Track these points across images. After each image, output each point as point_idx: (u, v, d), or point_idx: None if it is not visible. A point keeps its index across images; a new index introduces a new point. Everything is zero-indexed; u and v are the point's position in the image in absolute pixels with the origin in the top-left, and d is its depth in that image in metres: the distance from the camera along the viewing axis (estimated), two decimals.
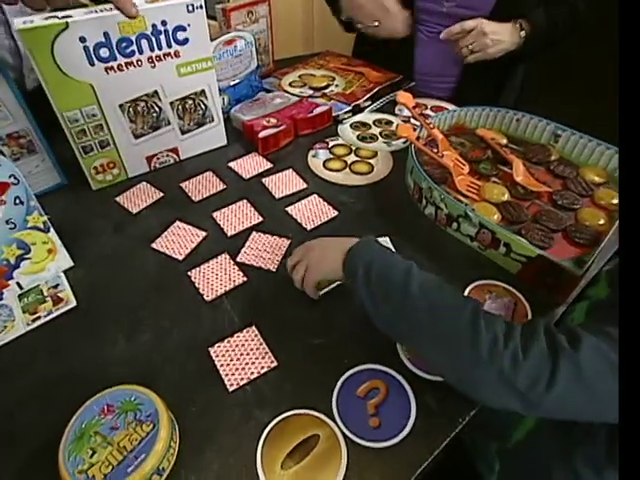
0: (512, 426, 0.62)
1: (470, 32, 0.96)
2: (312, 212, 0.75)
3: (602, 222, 0.70)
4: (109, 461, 0.41)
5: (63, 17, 0.63)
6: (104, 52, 0.68)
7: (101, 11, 0.65)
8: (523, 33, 0.97)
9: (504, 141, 0.88)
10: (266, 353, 0.54)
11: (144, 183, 0.81)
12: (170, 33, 0.73)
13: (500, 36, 0.96)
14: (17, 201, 0.60)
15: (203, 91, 0.83)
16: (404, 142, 0.91)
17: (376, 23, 1.01)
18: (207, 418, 0.49)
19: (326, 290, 0.62)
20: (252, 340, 0.55)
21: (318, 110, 0.95)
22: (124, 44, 0.69)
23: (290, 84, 1.10)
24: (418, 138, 0.82)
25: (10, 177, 0.58)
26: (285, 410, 0.49)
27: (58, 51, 0.64)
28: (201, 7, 0.74)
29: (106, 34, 0.67)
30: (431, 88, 1.11)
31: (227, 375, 0.52)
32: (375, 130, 0.96)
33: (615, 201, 0.74)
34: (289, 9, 2.83)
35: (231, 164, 0.86)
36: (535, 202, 0.75)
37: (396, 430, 0.47)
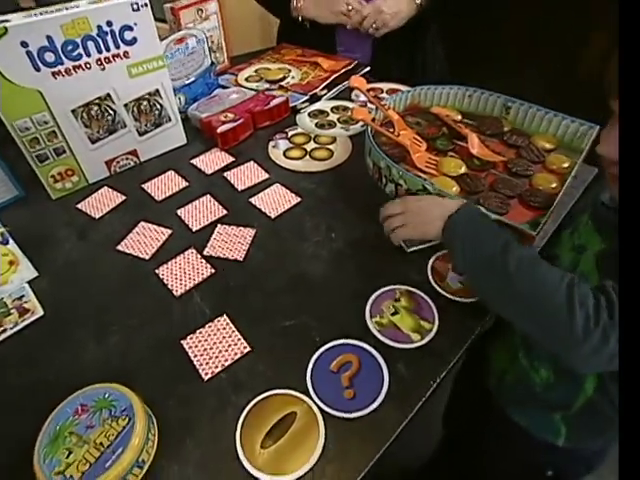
0: (571, 399, 0.62)
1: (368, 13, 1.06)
2: (275, 201, 0.76)
3: (554, 185, 0.73)
4: (86, 459, 0.41)
5: (1, 22, 0.62)
6: (49, 57, 0.67)
7: (41, 14, 0.64)
8: (418, 0, 1.07)
9: (458, 117, 0.90)
10: (238, 339, 0.55)
11: (105, 188, 0.81)
12: (117, 33, 0.72)
13: (396, 8, 1.06)
14: None
15: (157, 91, 0.82)
16: (362, 126, 0.92)
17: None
18: (185, 409, 0.49)
19: (417, 248, 0.66)
20: (224, 329, 0.56)
21: (275, 102, 0.96)
22: (70, 47, 0.68)
23: (246, 79, 1.10)
24: (374, 120, 0.83)
25: None
26: (261, 392, 0.49)
27: None
28: (146, 5, 0.73)
29: (49, 38, 0.66)
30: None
31: (201, 365, 0.52)
32: (333, 117, 0.97)
33: (565, 165, 0.77)
34: (245, 5, 2.80)
35: (193, 161, 0.86)
36: (491, 172, 0.78)
37: (370, 399, 0.49)
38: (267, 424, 0.47)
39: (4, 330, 0.58)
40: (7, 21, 0.62)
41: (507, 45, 1.65)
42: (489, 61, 1.54)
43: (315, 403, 0.48)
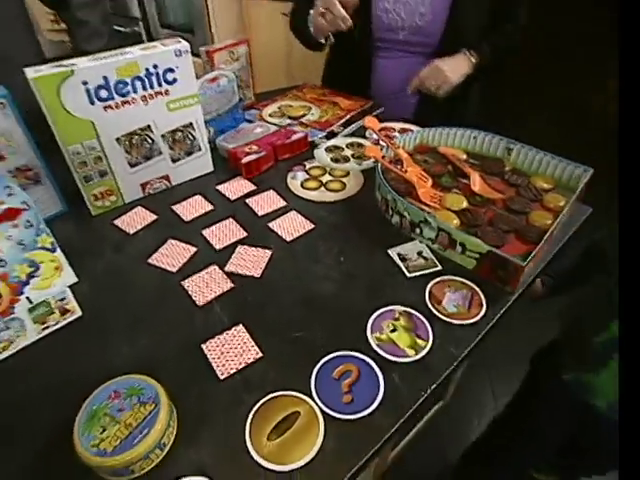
0: None
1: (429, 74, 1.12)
2: (291, 226, 0.83)
3: (549, 222, 0.79)
4: (117, 436, 0.47)
5: (69, 65, 0.72)
6: (103, 93, 0.77)
7: (101, 59, 0.75)
8: (473, 59, 1.14)
9: (463, 157, 0.98)
10: (252, 346, 0.61)
11: (139, 207, 0.90)
12: (161, 74, 0.83)
13: (455, 65, 1.13)
14: (28, 224, 0.68)
15: (191, 124, 0.92)
16: (374, 162, 1.01)
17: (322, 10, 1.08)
18: (202, 403, 0.55)
19: (417, 274, 0.73)
20: (240, 336, 0.63)
21: (295, 137, 1.05)
22: (120, 85, 0.79)
23: (270, 115, 1.21)
24: (384, 157, 0.91)
25: (22, 203, 0.66)
26: (269, 392, 0.56)
27: (64, 94, 0.73)
28: (187, 52, 0.84)
29: (105, 78, 0.76)
30: (391, 109, 1.25)
31: (218, 366, 0.59)
32: (347, 152, 1.05)
33: (561, 203, 0.83)
34: (272, 46, 2.99)
35: (218, 187, 0.95)
36: (491, 208, 0.84)
37: (366, 404, 0.54)
38: (273, 420, 0.53)
39: (47, 327, 0.66)
40: (74, 65, 0.73)
41: (522, 94, 1.77)
42: (504, 110, 1.65)
43: (317, 405, 0.54)
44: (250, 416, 0.53)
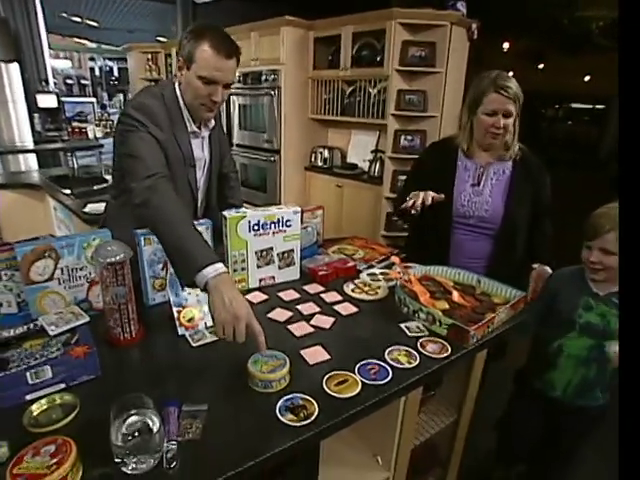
0: None
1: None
2: (345, 308, 1.46)
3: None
4: (267, 369, 1.05)
5: (243, 212, 1.47)
6: (255, 227, 1.51)
7: (259, 211, 1.50)
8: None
9: (451, 283, 1.60)
10: (325, 354, 1.19)
11: (257, 292, 1.55)
12: (284, 222, 1.56)
13: None
14: None
15: (292, 249, 1.63)
16: (396, 280, 1.65)
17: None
18: (300, 371, 1.12)
19: (415, 335, 1.30)
20: (319, 350, 1.21)
21: (348, 265, 1.73)
22: (264, 224, 1.52)
23: (333, 252, 1.92)
24: (401, 278, 1.56)
25: None
26: (334, 370, 1.12)
27: (239, 225, 1.47)
28: (298, 213, 1.59)
29: (258, 220, 1.50)
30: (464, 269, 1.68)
31: (308, 359, 1.17)
32: (380, 277, 1.71)
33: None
34: (335, 212, 3.92)
35: (303, 287, 1.61)
36: (463, 310, 1.44)
37: (382, 379, 1.10)
38: (336, 380, 1.09)
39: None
40: (246, 212, 1.48)
41: None
42: None
43: (358, 377, 1.10)
44: (325, 377, 1.09)
